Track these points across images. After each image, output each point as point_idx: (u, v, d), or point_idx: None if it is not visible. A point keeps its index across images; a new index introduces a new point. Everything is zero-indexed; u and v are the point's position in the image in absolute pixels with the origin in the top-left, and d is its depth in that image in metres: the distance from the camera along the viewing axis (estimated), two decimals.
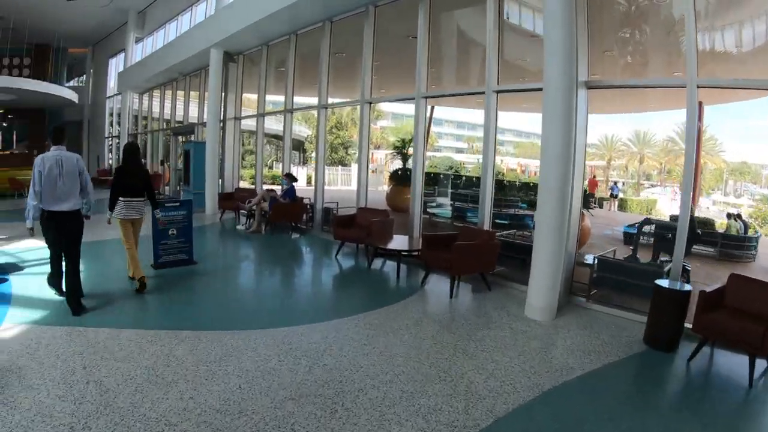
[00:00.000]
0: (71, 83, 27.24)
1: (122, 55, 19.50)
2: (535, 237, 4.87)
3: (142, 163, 5.94)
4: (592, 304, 5.19)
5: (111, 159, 21.53)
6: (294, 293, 5.70)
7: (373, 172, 14.52)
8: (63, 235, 4.60)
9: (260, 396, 3.05)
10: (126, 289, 5.24)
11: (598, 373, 3.64)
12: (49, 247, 4.76)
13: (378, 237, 6.61)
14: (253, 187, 11.21)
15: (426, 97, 7.15)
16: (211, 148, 11.09)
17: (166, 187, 15.92)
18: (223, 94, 11.52)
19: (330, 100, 9.16)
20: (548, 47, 4.69)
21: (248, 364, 3.48)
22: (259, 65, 11.19)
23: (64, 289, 4.73)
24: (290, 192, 8.81)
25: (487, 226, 6.20)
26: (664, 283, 4.34)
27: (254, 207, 8.95)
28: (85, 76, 25.56)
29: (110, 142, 21.45)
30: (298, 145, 13.13)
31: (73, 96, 19.16)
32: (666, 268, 5.23)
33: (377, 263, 6.85)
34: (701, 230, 8.93)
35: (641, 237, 7.90)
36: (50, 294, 4.83)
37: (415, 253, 6.28)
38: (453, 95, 8.31)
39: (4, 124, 18.20)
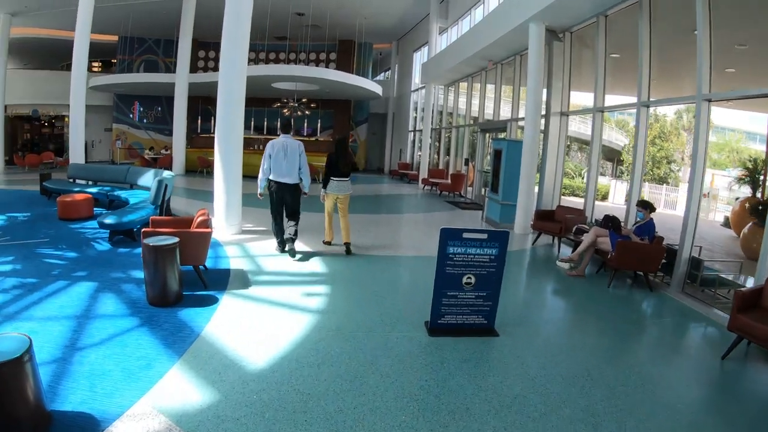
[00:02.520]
0: (379, 77, 30.24)
1: (426, 48, 20.00)
2: None
3: (350, 152, 7.34)
4: None
5: (413, 153, 22.66)
6: None
7: (705, 195, 10.64)
8: (284, 200, 6.63)
9: None
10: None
11: None
12: (271, 211, 6.81)
13: None
14: (579, 205, 9.25)
15: None
16: (530, 149, 9.60)
17: (469, 189, 15.42)
18: (545, 83, 9.83)
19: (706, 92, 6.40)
20: None
21: None
22: (592, 47, 9.09)
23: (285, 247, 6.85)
24: (648, 228, 6.56)
25: None
26: None
27: (583, 245, 7.01)
28: (389, 70, 27.82)
29: (413, 137, 22.55)
30: (611, 155, 10.55)
31: (377, 89, 20.65)
32: None
33: None
34: None
35: None
36: (250, 350, 3.79)
37: None
38: None
39: (307, 113, 20.80)
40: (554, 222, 8.51)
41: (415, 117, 22.62)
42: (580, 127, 13.01)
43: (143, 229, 4.94)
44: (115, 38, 23.63)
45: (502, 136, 12.80)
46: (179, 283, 4.67)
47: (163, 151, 21.23)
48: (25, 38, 21.94)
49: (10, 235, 7.31)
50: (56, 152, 22.63)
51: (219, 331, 4.11)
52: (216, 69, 22.25)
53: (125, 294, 4.86)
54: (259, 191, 6.67)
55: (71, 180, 11.02)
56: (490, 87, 14.39)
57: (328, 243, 7.36)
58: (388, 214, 11.62)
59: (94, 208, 9.16)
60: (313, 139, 24.11)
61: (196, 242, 5.08)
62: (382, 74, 31.48)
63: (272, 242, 7.24)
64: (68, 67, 26.44)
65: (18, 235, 7.29)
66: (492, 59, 13.17)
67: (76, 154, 12.07)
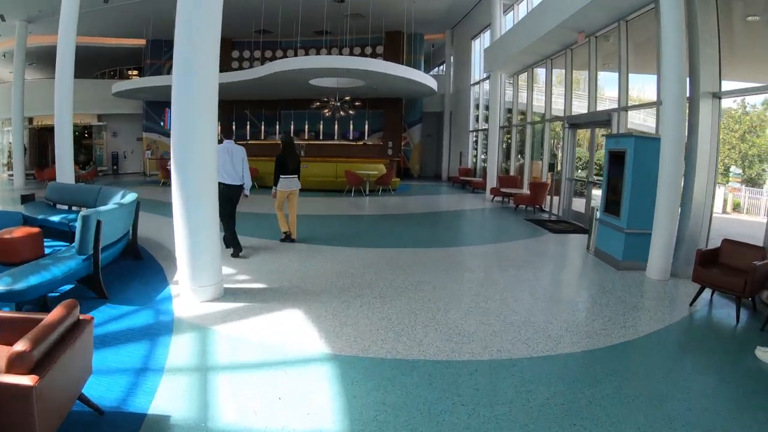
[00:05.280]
0: (432, 72, 27.29)
1: (487, 33, 16.94)
2: None
3: (297, 150, 8.31)
4: None
5: (476, 156, 19.55)
6: None
7: None
8: (229, 200, 6.93)
9: None
10: None
11: None
12: (221, 215, 6.20)
13: None
14: (760, 237, 5.91)
15: None
16: (673, 149, 6.28)
17: (554, 199, 12.11)
18: (687, 54, 6.54)
19: None
20: None
21: None
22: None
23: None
24: None
25: None
26: None
27: None
28: (443, 64, 24.84)
29: (475, 137, 19.44)
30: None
31: (432, 83, 17.98)
32: None
33: None
34: None
35: None
36: None
37: None
38: None
39: (351, 113, 18.34)
40: (726, 269, 5.30)
41: (477, 115, 19.45)
42: (646, 119, 9.52)
43: None
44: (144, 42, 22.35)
45: (604, 132, 9.58)
46: None
47: None
48: (51, 47, 20.67)
49: None
50: (83, 164, 21.06)
51: None
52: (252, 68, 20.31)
53: None
54: None
55: (51, 203, 8.54)
56: (577, 72, 11.17)
57: (286, 234, 7.99)
58: (449, 246, 8.51)
59: (56, 243, 6.85)
60: (361, 143, 21.63)
61: None
62: (436, 69, 28.50)
63: (266, 321, 4.57)
64: (103, 75, 25.69)
65: None
66: (584, 30, 9.97)
67: (62, 172, 9.81)
